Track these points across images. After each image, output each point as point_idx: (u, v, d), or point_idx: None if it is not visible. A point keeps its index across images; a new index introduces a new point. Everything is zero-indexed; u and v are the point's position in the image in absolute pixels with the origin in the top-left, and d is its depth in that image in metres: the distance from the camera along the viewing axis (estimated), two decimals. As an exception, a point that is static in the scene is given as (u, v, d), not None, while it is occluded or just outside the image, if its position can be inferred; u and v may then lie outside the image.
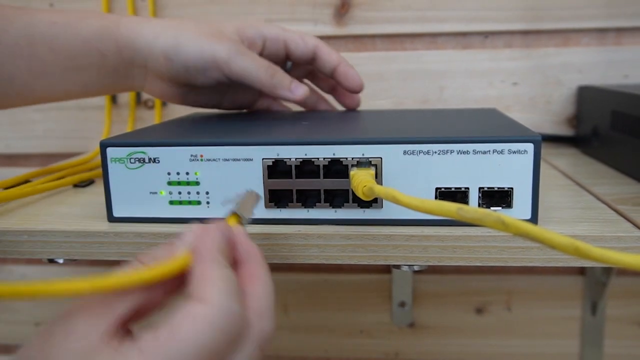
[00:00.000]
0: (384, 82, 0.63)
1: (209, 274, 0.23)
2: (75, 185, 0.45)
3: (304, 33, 0.47)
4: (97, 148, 0.35)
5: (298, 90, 0.43)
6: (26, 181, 0.45)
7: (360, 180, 0.30)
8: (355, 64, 0.62)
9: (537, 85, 0.61)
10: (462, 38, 0.62)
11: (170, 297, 0.25)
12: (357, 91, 0.48)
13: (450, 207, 0.24)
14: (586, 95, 0.58)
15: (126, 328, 0.23)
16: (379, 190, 0.29)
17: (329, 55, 0.47)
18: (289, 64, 0.49)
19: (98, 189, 0.45)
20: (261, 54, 0.46)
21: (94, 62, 0.42)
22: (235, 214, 0.29)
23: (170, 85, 0.45)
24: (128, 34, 0.42)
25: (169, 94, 0.46)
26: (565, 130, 0.62)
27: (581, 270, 0.65)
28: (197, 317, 0.21)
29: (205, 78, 0.43)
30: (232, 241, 0.26)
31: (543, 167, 0.49)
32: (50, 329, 0.22)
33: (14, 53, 0.40)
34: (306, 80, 0.52)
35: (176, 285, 0.25)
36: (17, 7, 0.41)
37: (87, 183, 0.46)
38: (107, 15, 0.43)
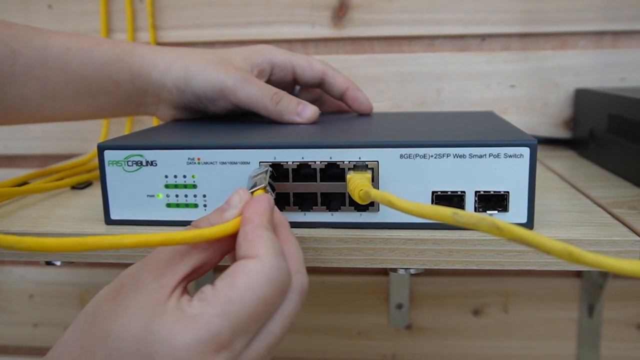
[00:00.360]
0: (382, 84, 0.63)
1: (260, 235, 0.26)
2: (73, 187, 0.45)
3: (311, 58, 0.47)
4: (95, 150, 0.35)
5: (305, 111, 0.42)
6: (25, 182, 0.45)
7: (357, 184, 0.30)
8: (353, 67, 0.63)
9: (534, 88, 0.62)
10: (459, 41, 0.62)
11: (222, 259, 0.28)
12: (366, 114, 0.49)
13: (446, 212, 0.24)
14: (583, 98, 0.58)
15: (184, 285, 0.26)
16: (375, 194, 0.29)
17: (337, 80, 0.47)
18: (297, 88, 0.50)
19: (96, 190, 0.45)
20: (269, 80, 0.46)
21: (106, 89, 0.43)
22: (264, 187, 0.30)
23: (182, 112, 0.45)
24: (141, 64, 0.42)
25: (182, 119, 0.46)
26: (562, 133, 0.62)
27: (578, 273, 0.65)
28: (252, 271, 0.24)
29: (215, 107, 0.44)
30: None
31: (539, 169, 0.49)
32: (120, 287, 0.26)
33: (28, 74, 0.40)
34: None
35: (228, 249, 0.28)
36: (31, 28, 0.41)
37: (85, 185, 0.46)
38: (121, 43, 0.43)
